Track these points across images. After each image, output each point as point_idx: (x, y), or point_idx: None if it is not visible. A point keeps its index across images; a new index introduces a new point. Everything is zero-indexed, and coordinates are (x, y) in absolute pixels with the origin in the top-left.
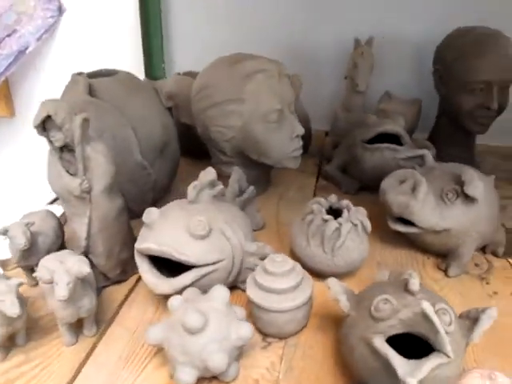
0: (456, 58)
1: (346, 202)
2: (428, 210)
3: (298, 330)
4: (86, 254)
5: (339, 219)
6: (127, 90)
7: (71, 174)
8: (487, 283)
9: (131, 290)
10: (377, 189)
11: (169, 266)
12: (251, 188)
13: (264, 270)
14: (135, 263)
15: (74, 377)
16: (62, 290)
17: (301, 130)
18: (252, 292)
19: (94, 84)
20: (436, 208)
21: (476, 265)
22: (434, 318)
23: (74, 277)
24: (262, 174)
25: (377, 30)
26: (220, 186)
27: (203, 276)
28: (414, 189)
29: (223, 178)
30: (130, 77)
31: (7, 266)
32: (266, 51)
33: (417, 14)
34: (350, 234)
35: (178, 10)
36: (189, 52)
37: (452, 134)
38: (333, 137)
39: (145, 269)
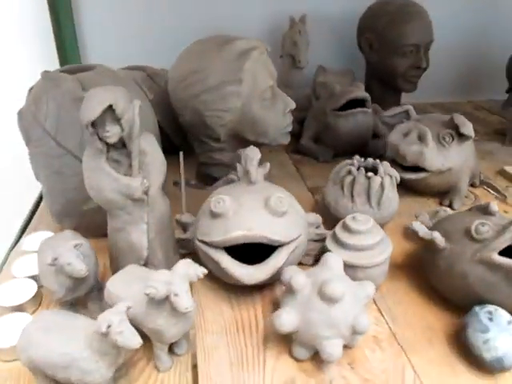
0: (386, 25)
1: (372, 160)
2: (435, 154)
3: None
4: (145, 265)
5: (379, 174)
6: (113, 83)
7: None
8: None
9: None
10: (352, 153)
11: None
12: (267, 164)
13: (349, 231)
14: None
15: None
16: (186, 300)
17: (293, 104)
18: (341, 254)
19: (81, 79)
20: (439, 151)
21: (466, 197)
22: None
23: (188, 283)
24: None
25: (300, 8)
26: (267, 164)
27: (291, 253)
28: (420, 138)
29: (214, 165)
30: (109, 69)
31: None
32: (190, 37)
33: None
34: (390, 186)
35: None
36: (104, 40)
37: (382, 95)
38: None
39: (229, 262)
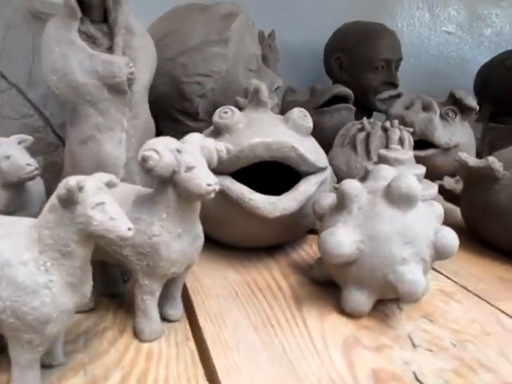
0: (357, 42)
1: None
2: (441, 128)
3: None
4: None
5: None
6: None
7: None
8: None
9: None
10: None
11: None
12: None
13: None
14: None
15: None
16: (208, 176)
17: (280, 82)
18: None
19: None
20: (445, 128)
21: None
22: None
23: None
24: None
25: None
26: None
27: (323, 182)
28: (424, 108)
29: None
30: None
31: None
32: None
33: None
34: (408, 143)
35: None
36: None
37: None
38: None
39: (242, 188)
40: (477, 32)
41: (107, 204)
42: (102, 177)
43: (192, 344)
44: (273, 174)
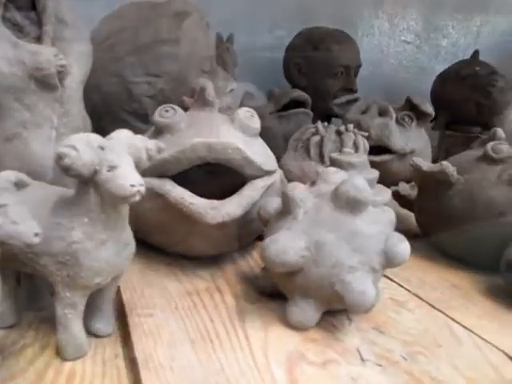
0: (317, 47)
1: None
2: (397, 133)
3: None
4: None
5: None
6: None
7: None
8: None
9: None
10: None
11: None
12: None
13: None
14: None
15: None
16: (132, 176)
17: (234, 85)
18: None
19: None
20: (401, 133)
21: None
22: None
23: (131, 157)
24: None
25: None
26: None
27: (270, 186)
28: (380, 113)
29: None
30: None
31: None
32: None
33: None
34: (363, 147)
35: None
36: None
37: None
38: None
39: (182, 192)
40: (434, 42)
41: (10, 206)
42: (8, 175)
43: (121, 362)
44: (225, 178)
